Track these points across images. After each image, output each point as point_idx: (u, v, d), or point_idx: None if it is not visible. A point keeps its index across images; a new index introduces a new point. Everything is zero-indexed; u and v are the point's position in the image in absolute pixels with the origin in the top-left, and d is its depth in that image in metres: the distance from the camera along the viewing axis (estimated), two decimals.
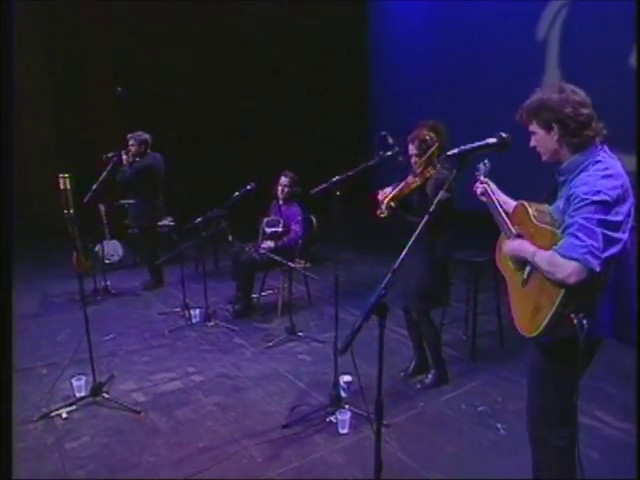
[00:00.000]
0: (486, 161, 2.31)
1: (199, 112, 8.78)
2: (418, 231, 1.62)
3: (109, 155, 5.40)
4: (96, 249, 6.48)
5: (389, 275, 1.65)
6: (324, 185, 2.95)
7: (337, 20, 9.49)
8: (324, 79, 9.59)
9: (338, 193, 2.93)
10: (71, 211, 3.16)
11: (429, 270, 3.30)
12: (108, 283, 5.68)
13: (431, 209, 1.70)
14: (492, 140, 1.77)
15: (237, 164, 8.88)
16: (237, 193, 4.66)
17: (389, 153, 3.09)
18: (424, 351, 3.68)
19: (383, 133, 3.10)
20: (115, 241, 6.70)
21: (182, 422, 3.12)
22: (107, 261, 6.44)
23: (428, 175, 3.14)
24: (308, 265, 5.00)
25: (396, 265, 1.66)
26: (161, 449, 2.86)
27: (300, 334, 4.38)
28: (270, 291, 5.42)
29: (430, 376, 3.58)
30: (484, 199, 2.13)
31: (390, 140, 3.10)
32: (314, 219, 5.18)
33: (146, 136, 5.60)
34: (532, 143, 1.88)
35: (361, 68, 10.23)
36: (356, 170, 3.01)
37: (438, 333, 3.64)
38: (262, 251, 4.71)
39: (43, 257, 7.34)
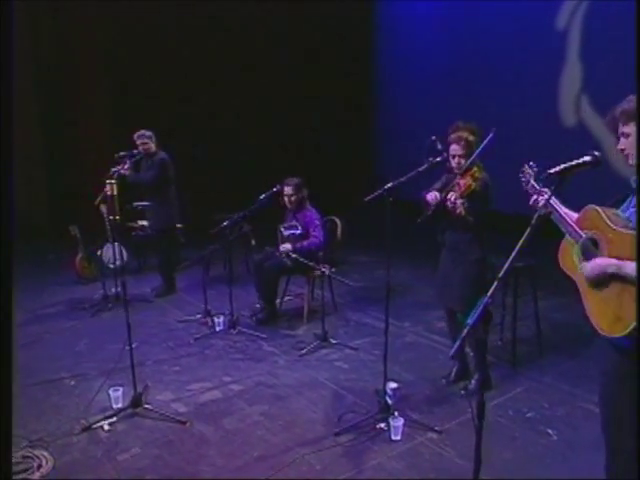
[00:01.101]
0: (532, 163, 2.51)
1: (196, 111, 8.94)
2: (524, 238, 1.85)
3: (121, 154, 5.55)
4: (98, 253, 6.63)
5: (495, 284, 1.88)
6: (377, 192, 3.17)
7: (342, 21, 9.71)
8: (327, 79, 9.82)
9: (391, 199, 3.16)
10: (117, 217, 3.34)
11: (474, 271, 3.57)
12: (119, 289, 5.83)
13: (533, 222, 1.93)
14: (587, 158, 1.99)
15: (236, 165, 9.09)
16: (263, 195, 4.87)
17: (438, 159, 3.33)
18: (466, 356, 3.92)
19: (433, 138, 3.33)
20: (118, 244, 6.82)
21: (231, 432, 3.32)
22: (111, 266, 6.55)
23: (477, 175, 3.40)
24: (333, 270, 5.21)
25: (502, 274, 1.88)
26: (216, 459, 3.06)
27: (332, 341, 4.60)
28: (289, 297, 5.63)
29: (473, 381, 3.83)
30: (545, 210, 2.33)
31: (439, 146, 3.33)
32: (338, 221, 5.40)
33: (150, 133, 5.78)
34: (621, 146, 2.06)
35: (367, 68, 10.47)
36: (407, 177, 3.24)
37: (484, 336, 3.89)
38: (279, 253, 4.90)
39: (36, 261, 7.46)
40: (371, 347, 4.60)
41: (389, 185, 3.18)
